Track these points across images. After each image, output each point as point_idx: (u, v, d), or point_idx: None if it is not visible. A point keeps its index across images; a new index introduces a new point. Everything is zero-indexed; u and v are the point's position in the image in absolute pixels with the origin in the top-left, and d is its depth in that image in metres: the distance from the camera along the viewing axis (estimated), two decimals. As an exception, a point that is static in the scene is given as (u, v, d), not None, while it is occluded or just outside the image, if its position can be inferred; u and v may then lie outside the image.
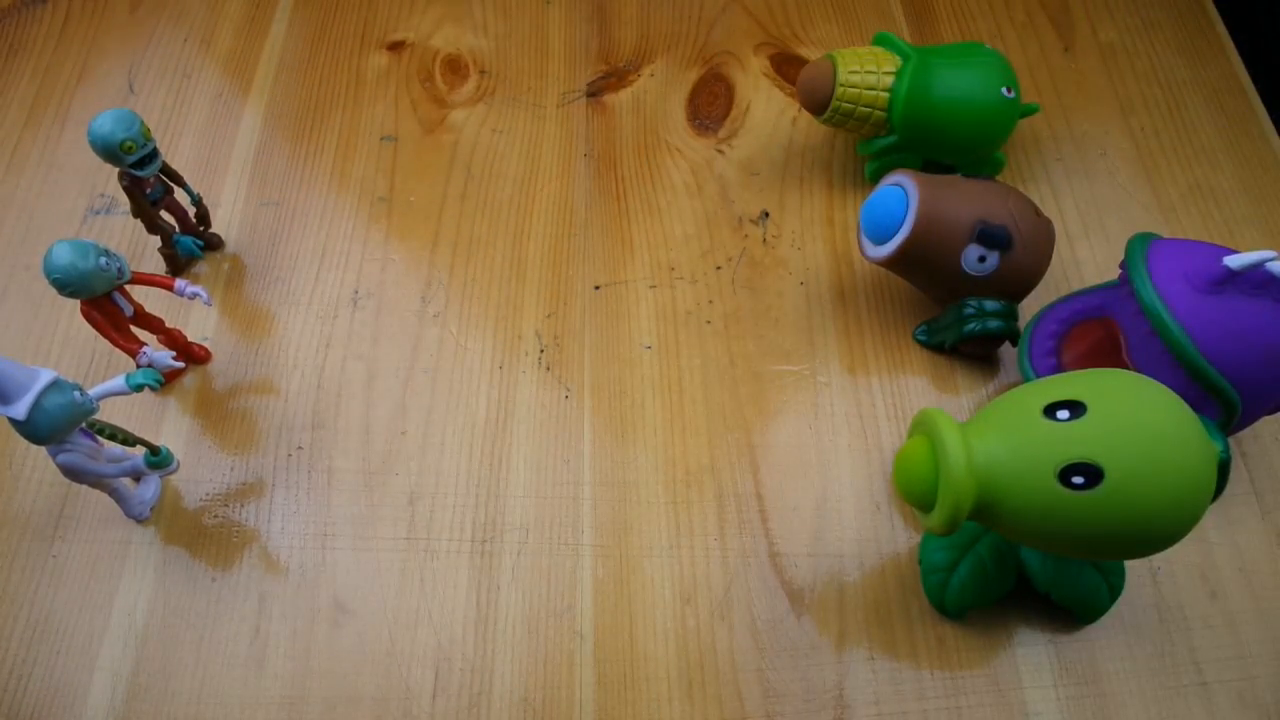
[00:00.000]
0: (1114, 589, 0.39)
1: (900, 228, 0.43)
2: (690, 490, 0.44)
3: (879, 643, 0.40)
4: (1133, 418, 0.31)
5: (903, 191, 0.43)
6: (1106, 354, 0.42)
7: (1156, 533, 0.31)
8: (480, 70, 0.59)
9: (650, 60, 0.59)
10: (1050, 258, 0.44)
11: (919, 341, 0.48)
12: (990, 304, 0.44)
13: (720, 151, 0.55)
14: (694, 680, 0.39)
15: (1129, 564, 0.41)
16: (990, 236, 0.42)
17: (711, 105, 0.57)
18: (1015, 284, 0.44)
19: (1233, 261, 0.36)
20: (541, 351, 0.48)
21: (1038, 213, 0.44)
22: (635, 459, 0.45)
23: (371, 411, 0.46)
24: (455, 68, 0.59)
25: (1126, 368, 0.41)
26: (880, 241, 0.44)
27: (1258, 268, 0.36)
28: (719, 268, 0.51)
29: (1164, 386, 0.32)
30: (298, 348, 0.48)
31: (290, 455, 0.45)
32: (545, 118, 0.57)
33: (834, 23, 0.61)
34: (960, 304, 0.45)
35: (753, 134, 0.55)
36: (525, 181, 0.54)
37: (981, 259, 0.42)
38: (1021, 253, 0.43)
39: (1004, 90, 0.48)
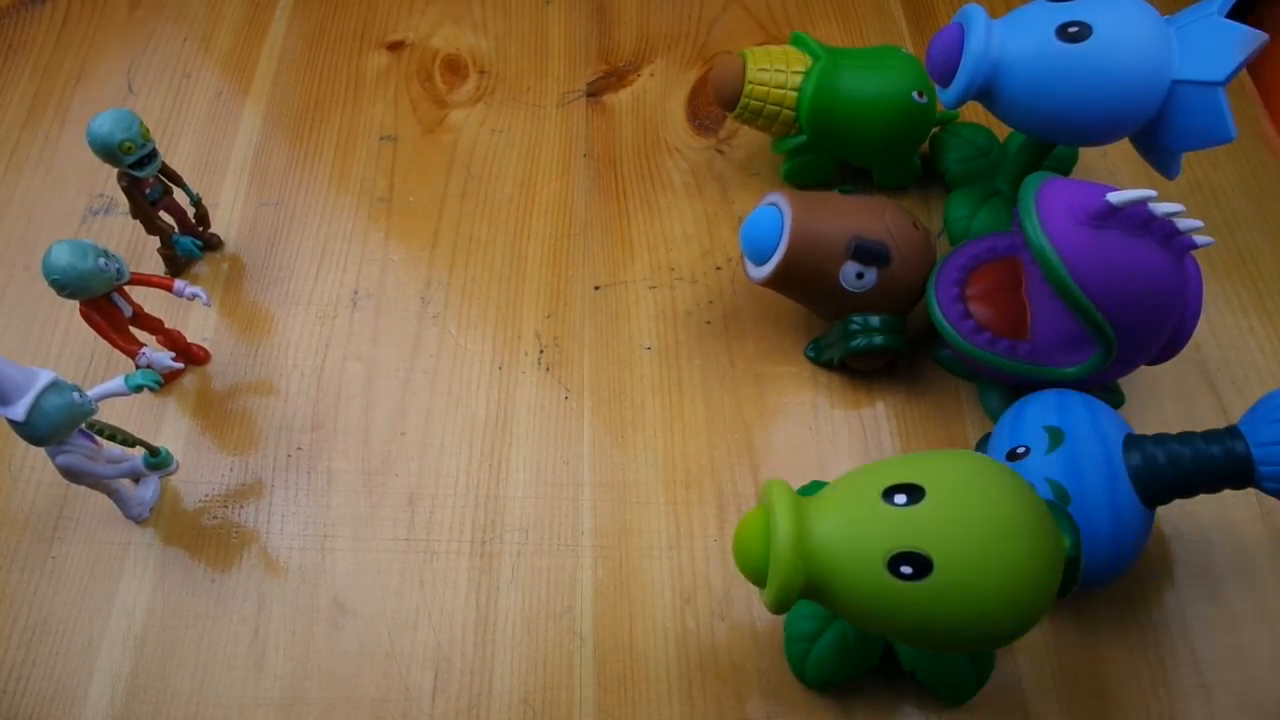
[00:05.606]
0: (982, 673, 0.38)
1: (776, 248, 0.43)
2: (690, 491, 0.44)
3: (879, 643, 0.40)
4: (968, 508, 0.29)
5: (777, 211, 0.43)
6: (1007, 290, 0.42)
7: (988, 629, 0.30)
8: (480, 70, 0.59)
9: (650, 60, 0.59)
10: (931, 269, 0.44)
11: (809, 358, 0.47)
12: (875, 319, 0.44)
13: (720, 151, 0.55)
14: (693, 680, 0.39)
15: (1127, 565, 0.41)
16: (865, 252, 0.42)
17: (711, 105, 0.57)
18: (897, 298, 0.44)
19: (1115, 197, 0.35)
20: (541, 352, 0.48)
21: (916, 225, 0.44)
22: (635, 460, 0.45)
23: (371, 412, 0.46)
24: (455, 68, 0.59)
25: (1025, 304, 0.42)
26: (760, 263, 0.44)
27: (1139, 205, 0.35)
28: (719, 268, 0.50)
29: (1014, 473, 0.31)
30: (297, 348, 0.48)
31: (290, 456, 0.45)
32: (545, 118, 0.57)
33: (834, 22, 0.61)
34: (846, 320, 0.44)
35: (752, 134, 0.55)
36: (525, 181, 0.54)
37: (859, 275, 0.42)
38: (900, 267, 0.43)
39: (915, 94, 0.48)
